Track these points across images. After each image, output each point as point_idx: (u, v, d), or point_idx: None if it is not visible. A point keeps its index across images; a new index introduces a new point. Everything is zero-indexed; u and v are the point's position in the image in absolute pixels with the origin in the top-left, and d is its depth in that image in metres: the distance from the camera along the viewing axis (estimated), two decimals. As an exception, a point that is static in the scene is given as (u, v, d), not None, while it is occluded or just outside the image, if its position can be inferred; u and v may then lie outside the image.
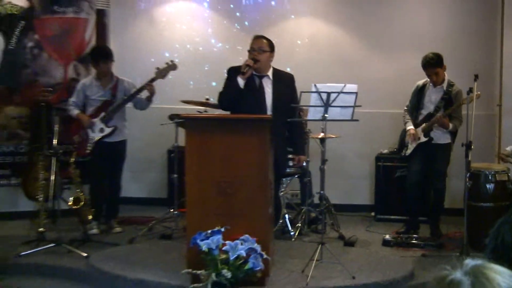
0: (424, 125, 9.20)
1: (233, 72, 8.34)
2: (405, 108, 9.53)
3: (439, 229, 9.45)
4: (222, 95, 8.43)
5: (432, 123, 9.10)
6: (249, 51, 8.35)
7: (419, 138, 9.24)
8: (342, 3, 11.30)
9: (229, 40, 11.52)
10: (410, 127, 9.29)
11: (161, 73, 9.33)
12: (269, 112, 8.20)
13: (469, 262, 2.00)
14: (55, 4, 10.54)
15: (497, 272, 1.97)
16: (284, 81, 8.50)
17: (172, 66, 9.38)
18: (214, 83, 10.65)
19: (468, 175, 8.46)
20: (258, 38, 8.47)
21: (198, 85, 11.35)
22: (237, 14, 11.55)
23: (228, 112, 8.51)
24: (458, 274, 1.97)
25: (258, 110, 8.10)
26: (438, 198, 9.45)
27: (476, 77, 8.51)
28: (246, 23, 11.45)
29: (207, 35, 11.60)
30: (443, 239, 9.29)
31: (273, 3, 11.44)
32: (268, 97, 8.35)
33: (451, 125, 9.06)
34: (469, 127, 8.36)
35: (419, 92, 9.40)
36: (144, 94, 9.40)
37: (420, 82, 9.42)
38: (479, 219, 8.56)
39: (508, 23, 10.25)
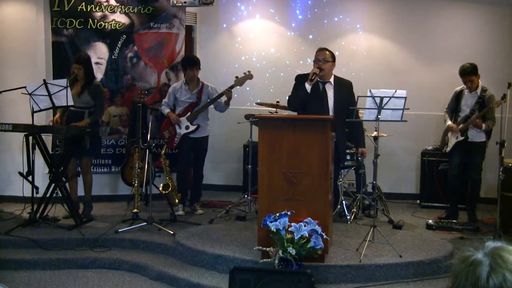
0: (461, 125, 9.16)
1: (301, 78, 8.31)
2: (445, 109, 9.50)
3: (475, 215, 9.41)
4: (291, 98, 8.38)
5: (468, 124, 9.06)
6: (314, 61, 8.30)
7: (457, 137, 9.20)
8: (393, 21, 11.24)
9: (295, 52, 11.48)
10: (449, 122, 9.30)
11: (240, 81, 9.34)
12: (330, 113, 8.15)
13: (490, 244, 1.98)
14: (151, 21, 10.61)
15: None
16: (344, 86, 8.42)
17: (249, 76, 9.38)
18: (283, 88, 10.52)
19: (501, 169, 8.49)
20: (322, 50, 8.41)
21: (269, 90, 11.32)
22: (303, 30, 11.48)
23: (295, 113, 8.43)
24: (479, 255, 1.95)
25: (321, 111, 8.07)
26: (475, 188, 9.40)
27: (509, 84, 8.47)
28: (311, 37, 11.38)
29: (276, 47, 11.58)
30: (479, 224, 9.21)
31: (335, 20, 11.32)
32: (330, 100, 8.31)
33: (484, 125, 9.01)
34: (503, 128, 8.37)
35: (457, 97, 9.39)
36: (223, 98, 9.36)
37: (458, 88, 9.40)
38: (510, 207, 8.52)
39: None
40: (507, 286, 1.82)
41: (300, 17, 11.46)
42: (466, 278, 1.89)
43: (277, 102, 9.97)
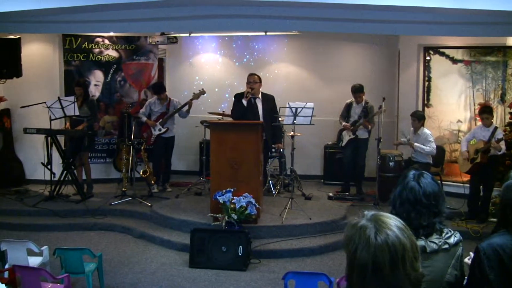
0: (352, 127, 9.18)
1: (238, 96, 8.34)
2: (340, 116, 9.47)
3: (362, 189, 9.41)
4: (233, 110, 8.42)
5: (359, 125, 9.10)
6: (247, 83, 8.33)
7: (349, 135, 9.22)
8: (305, 53, 11.19)
9: (234, 75, 11.34)
10: (344, 123, 9.27)
11: (196, 96, 9.27)
12: (261, 119, 8.16)
13: (368, 213, 1.96)
14: (134, 55, 10.50)
15: (388, 217, 1.95)
16: (268, 100, 8.46)
17: (202, 92, 9.30)
18: (226, 102, 10.52)
19: (378, 157, 8.68)
20: (252, 74, 8.48)
21: (217, 103, 11.24)
22: (240, 61, 11.41)
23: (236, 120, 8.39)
24: (364, 221, 1.93)
25: (254, 118, 8.09)
26: (361, 170, 9.44)
27: (383, 98, 8.67)
28: (245, 65, 11.30)
29: (221, 72, 11.46)
30: (364, 195, 9.27)
31: (264, 54, 11.32)
32: (260, 110, 8.33)
33: (370, 126, 9.07)
34: (380, 128, 8.55)
35: (348, 107, 9.39)
36: (185, 108, 9.31)
37: (348, 101, 9.40)
38: (385, 183, 8.58)
39: (402, 67, 10.22)
40: (390, 240, 1.84)
41: (236, 58, 11.47)
42: (359, 238, 1.88)
43: (223, 112, 9.97)
